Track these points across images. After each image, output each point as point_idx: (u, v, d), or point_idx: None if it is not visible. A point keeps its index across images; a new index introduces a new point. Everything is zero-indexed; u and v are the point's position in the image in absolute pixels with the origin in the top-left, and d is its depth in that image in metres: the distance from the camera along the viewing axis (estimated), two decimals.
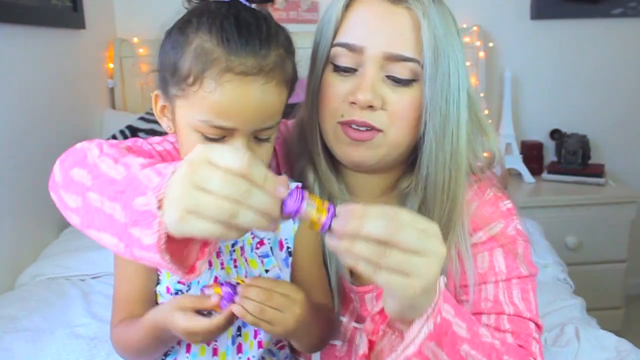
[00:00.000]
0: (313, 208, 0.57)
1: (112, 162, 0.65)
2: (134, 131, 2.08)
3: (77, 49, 2.07)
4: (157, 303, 0.79)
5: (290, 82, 0.73)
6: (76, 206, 0.66)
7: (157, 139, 0.87)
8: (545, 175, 2.40)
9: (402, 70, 0.77)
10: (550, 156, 2.57)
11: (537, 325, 0.82)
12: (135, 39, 2.34)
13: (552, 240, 1.88)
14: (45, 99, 1.80)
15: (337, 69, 0.80)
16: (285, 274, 0.80)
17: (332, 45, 0.80)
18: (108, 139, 2.05)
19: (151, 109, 2.66)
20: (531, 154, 2.47)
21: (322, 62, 0.82)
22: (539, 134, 2.54)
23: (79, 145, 0.75)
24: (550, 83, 2.54)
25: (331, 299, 0.86)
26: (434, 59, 0.76)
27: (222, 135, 0.68)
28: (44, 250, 1.67)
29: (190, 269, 0.61)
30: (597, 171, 2.36)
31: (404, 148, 0.82)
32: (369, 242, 0.55)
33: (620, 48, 2.51)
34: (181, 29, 0.69)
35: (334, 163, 0.87)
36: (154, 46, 2.61)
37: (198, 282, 0.76)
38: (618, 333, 1.29)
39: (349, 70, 0.79)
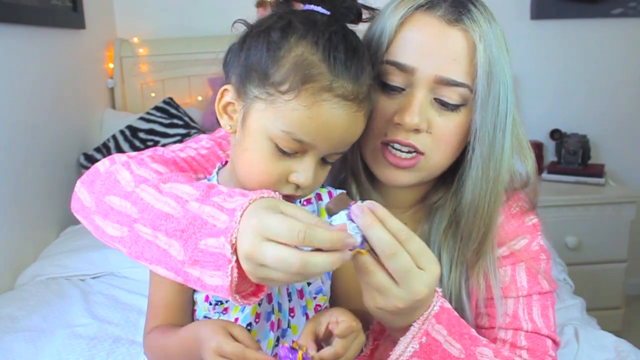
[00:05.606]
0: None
1: (155, 191, 0.65)
2: (133, 131, 2.08)
3: (77, 49, 2.07)
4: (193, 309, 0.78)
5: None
6: (121, 236, 0.66)
7: (178, 146, 0.86)
8: (545, 175, 2.40)
9: (451, 95, 0.75)
10: (550, 156, 2.57)
11: (554, 342, 0.82)
12: (135, 39, 2.34)
13: (552, 240, 1.87)
14: (46, 98, 1.80)
15: (385, 86, 0.78)
16: (327, 286, 0.79)
17: (382, 62, 0.77)
18: (108, 139, 2.06)
19: (151, 109, 2.64)
20: None
21: None
22: (539, 133, 2.54)
23: (101, 167, 0.73)
24: (550, 83, 2.54)
25: None
26: (487, 85, 0.74)
27: (295, 151, 0.66)
28: (44, 250, 1.67)
29: (253, 294, 0.61)
30: (597, 171, 2.36)
31: (443, 169, 0.81)
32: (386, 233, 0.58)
33: (620, 48, 2.51)
34: (283, 31, 0.65)
35: (370, 175, 0.86)
36: (154, 46, 2.59)
37: None
38: (618, 333, 1.29)
39: (397, 89, 0.77)
